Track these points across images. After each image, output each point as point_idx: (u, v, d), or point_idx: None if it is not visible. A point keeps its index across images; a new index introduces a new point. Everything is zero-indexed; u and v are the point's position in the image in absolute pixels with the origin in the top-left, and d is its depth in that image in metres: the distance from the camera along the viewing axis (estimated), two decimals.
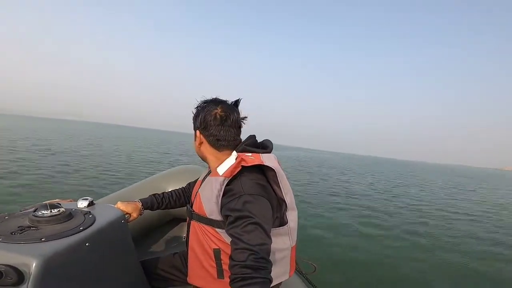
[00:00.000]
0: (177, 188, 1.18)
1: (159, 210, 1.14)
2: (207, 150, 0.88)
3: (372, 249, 3.70)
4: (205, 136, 0.87)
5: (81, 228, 0.73)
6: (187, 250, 0.94)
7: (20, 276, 0.55)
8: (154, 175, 1.89)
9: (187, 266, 1.02)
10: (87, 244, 0.70)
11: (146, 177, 1.97)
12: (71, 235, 0.69)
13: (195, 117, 0.89)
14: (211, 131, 0.84)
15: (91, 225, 0.76)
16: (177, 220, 1.88)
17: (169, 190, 1.20)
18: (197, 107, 0.90)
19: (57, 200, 1.03)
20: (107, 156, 10.40)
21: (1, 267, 0.55)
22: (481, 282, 3.03)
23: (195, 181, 1.13)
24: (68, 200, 1.03)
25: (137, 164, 9.36)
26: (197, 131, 0.88)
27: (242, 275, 0.62)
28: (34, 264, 0.57)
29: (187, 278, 0.93)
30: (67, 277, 0.65)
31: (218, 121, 0.84)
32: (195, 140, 0.90)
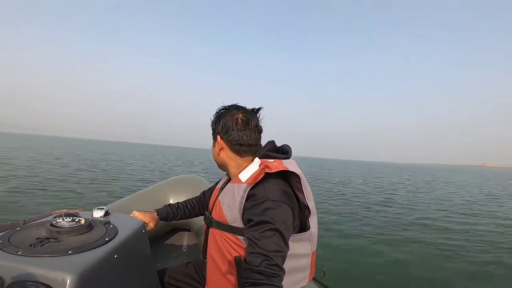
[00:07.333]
0: (179, 197, 1.12)
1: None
2: (228, 156, 0.86)
3: (381, 254, 3.64)
4: (226, 141, 0.85)
5: (106, 239, 0.69)
6: (204, 258, 0.92)
7: None
8: (154, 185, 1.85)
9: (202, 275, 1.01)
10: (115, 256, 0.67)
11: (146, 186, 1.92)
12: (98, 246, 0.66)
13: (215, 122, 0.87)
14: (233, 135, 0.83)
15: (115, 235, 0.73)
16: (176, 230, 1.86)
17: (180, 200, 1.17)
18: (216, 112, 0.88)
19: (65, 210, 0.98)
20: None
21: (31, 284, 0.50)
22: None
23: (210, 190, 1.12)
24: (79, 210, 0.98)
25: None
26: (218, 136, 0.86)
27: (253, 280, 0.62)
28: (68, 280, 0.52)
29: (205, 287, 0.91)
30: None
31: (240, 125, 0.83)
32: (214, 146, 0.88)
